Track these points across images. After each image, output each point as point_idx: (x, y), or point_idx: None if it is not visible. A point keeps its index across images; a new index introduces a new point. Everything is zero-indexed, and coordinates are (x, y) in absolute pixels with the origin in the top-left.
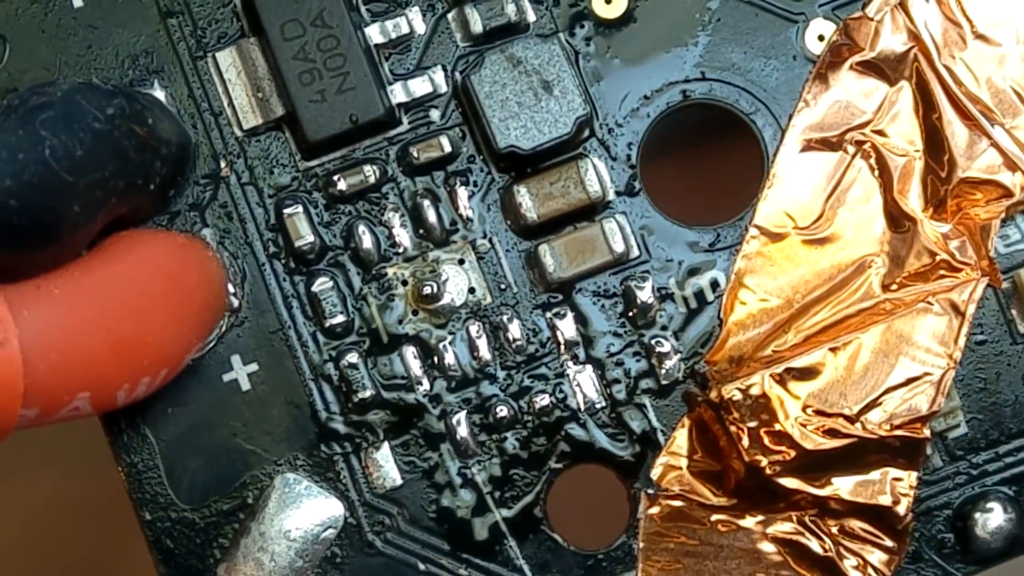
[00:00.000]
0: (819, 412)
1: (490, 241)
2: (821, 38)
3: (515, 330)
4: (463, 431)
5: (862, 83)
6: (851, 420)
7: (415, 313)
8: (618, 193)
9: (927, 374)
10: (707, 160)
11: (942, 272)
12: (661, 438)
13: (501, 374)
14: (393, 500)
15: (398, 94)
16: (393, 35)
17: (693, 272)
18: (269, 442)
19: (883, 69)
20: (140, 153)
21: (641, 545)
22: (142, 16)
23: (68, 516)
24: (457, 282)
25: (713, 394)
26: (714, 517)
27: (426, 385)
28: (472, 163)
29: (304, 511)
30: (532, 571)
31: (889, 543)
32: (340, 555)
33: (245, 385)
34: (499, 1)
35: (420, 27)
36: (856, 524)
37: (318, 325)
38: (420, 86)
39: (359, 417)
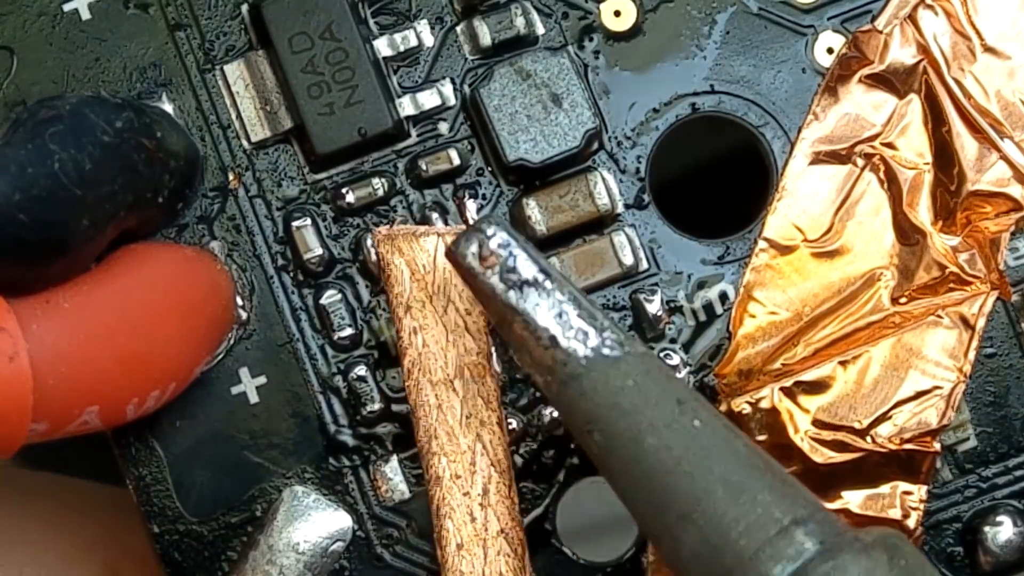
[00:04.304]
0: (829, 426)
1: None
2: (830, 51)
3: None
4: None
5: (871, 96)
6: (861, 434)
7: None
8: (627, 206)
9: (937, 388)
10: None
11: (952, 285)
12: None
13: (510, 387)
14: (402, 513)
15: (407, 107)
16: (402, 48)
17: (702, 285)
18: (277, 455)
19: (892, 82)
20: (149, 166)
21: (651, 558)
22: (150, 29)
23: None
24: None
25: (723, 407)
26: None
27: None
28: (481, 176)
29: (313, 524)
30: None
31: None
32: (349, 568)
33: (253, 398)
34: (508, 14)
35: (429, 40)
36: None
37: (326, 338)
38: (429, 99)
39: (367, 430)
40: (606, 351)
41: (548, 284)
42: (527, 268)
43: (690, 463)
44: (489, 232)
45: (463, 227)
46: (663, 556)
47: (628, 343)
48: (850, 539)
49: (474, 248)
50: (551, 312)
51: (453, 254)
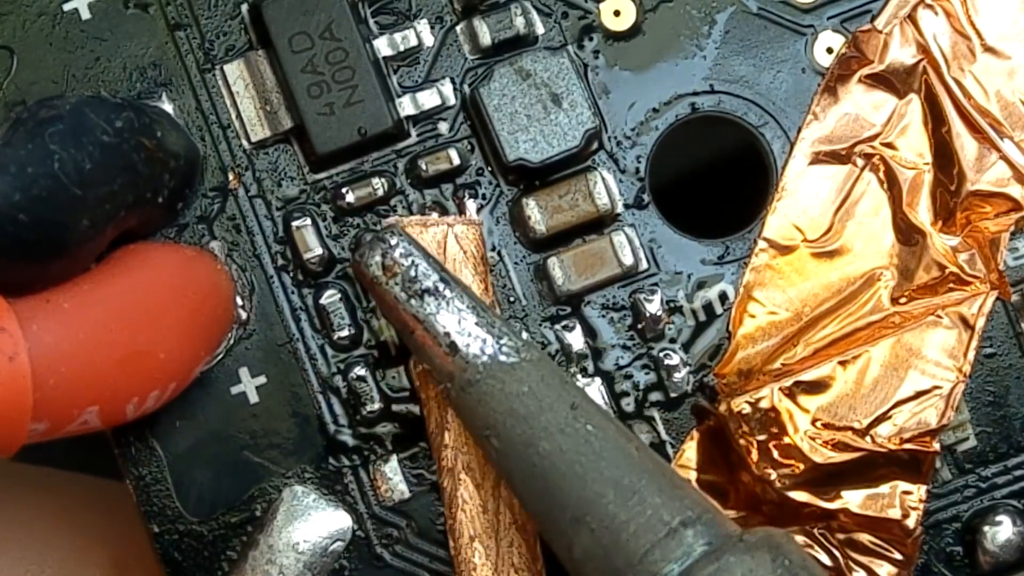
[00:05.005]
0: (828, 425)
1: (499, 254)
2: (830, 51)
3: None
4: None
5: (871, 96)
6: (860, 433)
7: None
8: (627, 206)
9: (936, 387)
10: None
11: (951, 285)
12: (670, 451)
13: None
14: (401, 513)
15: (407, 107)
16: (402, 48)
17: (702, 285)
18: (277, 455)
19: (892, 82)
20: (149, 166)
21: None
22: (150, 28)
23: None
24: None
25: (722, 407)
26: None
27: None
28: (481, 176)
29: (312, 524)
30: None
31: (898, 556)
32: (348, 568)
33: (253, 398)
34: (508, 14)
35: (429, 39)
36: (865, 537)
37: (326, 338)
38: (429, 98)
39: (367, 430)
40: (502, 357)
41: (448, 292)
42: (428, 277)
43: (582, 467)
44: (392, 242)
45: (473, 217)
46: (558, 555)
47: (524, 349)
48: (735, 540)
49: (377, 258)
50: (451, 319)
51: (358, 264)
